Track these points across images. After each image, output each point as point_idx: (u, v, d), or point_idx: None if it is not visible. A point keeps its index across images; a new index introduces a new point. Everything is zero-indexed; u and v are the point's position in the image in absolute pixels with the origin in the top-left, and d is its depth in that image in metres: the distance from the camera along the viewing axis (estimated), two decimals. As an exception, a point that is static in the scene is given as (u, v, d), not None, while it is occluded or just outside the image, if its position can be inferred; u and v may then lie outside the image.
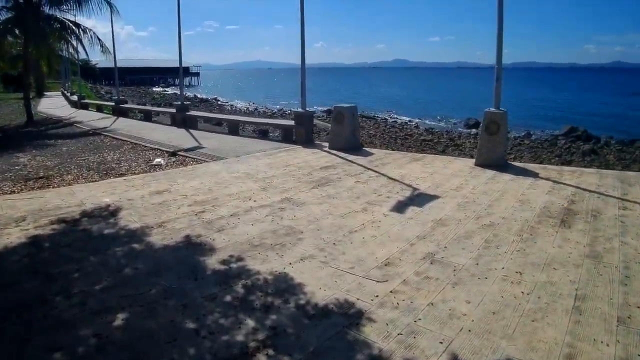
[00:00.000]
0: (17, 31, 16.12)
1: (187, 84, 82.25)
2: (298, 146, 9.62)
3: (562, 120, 24.84)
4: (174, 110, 14.72)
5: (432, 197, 5.48)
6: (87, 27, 16.59)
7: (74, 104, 24.40)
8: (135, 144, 10.39)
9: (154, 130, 12.86)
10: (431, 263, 3.58)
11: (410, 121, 24.48)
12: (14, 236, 4.26)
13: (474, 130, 19.02)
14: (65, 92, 33.40)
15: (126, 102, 20.14)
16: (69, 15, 16.37)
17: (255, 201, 5.42)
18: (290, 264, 3.59)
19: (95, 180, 6.76)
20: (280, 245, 4.00)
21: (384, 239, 4.13)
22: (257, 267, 3.53)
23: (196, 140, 10.75)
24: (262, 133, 13.82)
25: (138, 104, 25.95)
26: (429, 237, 4.16)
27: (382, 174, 6.83)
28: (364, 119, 22.05)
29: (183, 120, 13.73)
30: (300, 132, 10.04)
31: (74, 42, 18.37)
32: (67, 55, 29.55)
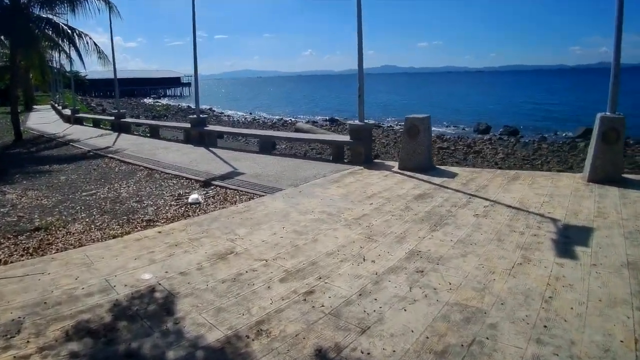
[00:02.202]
0: (2, 38, 14.01)
1: (179, 94, 79.84)
2: (358, 167, 7.69)
3: (567, 121, 24.65)
4: (188, 125, 12.64)
5: (585, 230, 4.27)
6: (82, 32, 14.54)
7: (66, 118, 22.15)
8: (151, 169, 8.36)
9: (168, 150, 10.72)
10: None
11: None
12: (3, 378, 2.34)
13: (486, 136, 18.84)
14: (56, 105, 31.08)
15: (125, 116, 17.95)
16: (61, 20, 14.32)
17: (373, 262, 3.66)
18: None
19: (117, 234, 4.70)
20: (475, 344, 2.46)
21: (597, 305, 2.86)
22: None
23: (226, 162, 8.68)
24: (271, 146, 12.00)
25: (132, 117, 23.82)
26: (645, 293, 2.99)
27: (496, 202, 5.37)
28: (370, 127, 20.94)
29: (200, 137, 11.68)
30: (358, 150, 8.09)
31: (67, 49, 16.19)
32: (58, 65, 27.38)
